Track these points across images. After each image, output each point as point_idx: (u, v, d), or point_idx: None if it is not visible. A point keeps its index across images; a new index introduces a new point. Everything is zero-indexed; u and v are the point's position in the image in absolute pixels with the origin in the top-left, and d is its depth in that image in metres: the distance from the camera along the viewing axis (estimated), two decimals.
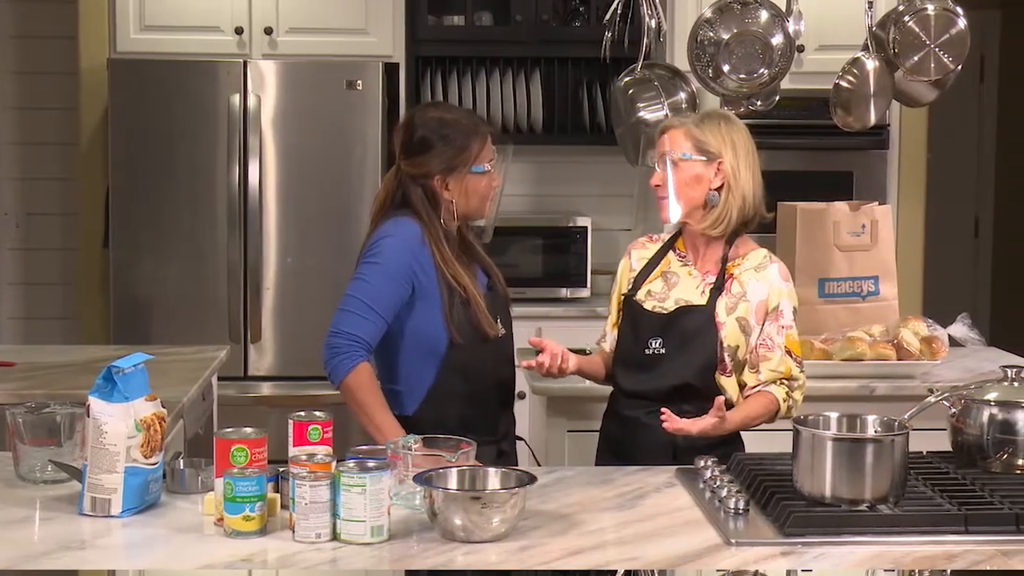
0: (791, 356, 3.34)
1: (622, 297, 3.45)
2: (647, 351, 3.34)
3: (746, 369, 3.34)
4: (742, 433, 3.38)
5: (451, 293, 3.34)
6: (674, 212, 3.36)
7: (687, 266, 3.42)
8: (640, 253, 3.49)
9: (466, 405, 3.36)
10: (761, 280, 3.35)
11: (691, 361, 3.30)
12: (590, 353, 3.53)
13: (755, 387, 3.32)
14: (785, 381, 3.33)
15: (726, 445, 3.28)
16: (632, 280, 3.44)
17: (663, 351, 3.33)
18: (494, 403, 3.44)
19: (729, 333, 3.31)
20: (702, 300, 3.34)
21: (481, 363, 3.38)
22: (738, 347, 3.32)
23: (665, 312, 3.35)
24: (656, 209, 3.42)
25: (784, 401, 3.32)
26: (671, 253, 3.45)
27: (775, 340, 3.32)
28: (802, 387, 3.37)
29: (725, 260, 3.37)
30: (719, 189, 3.34)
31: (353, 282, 3.36)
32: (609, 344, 3.49)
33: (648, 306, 3.37)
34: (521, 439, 3.58)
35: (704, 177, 3.34)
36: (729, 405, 3.29)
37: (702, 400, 3.25)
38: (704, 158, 3.33)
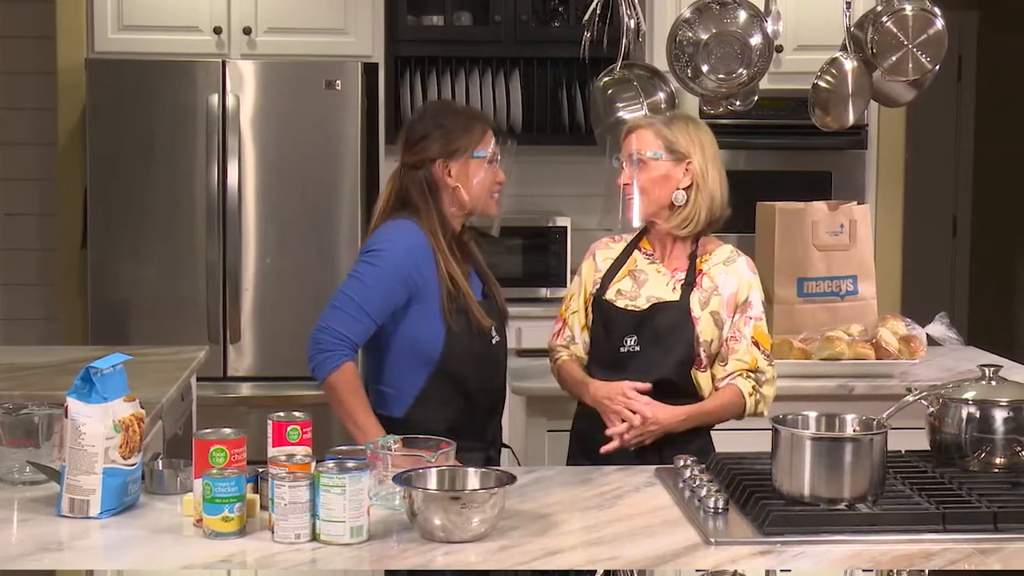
0: (758, 347, 3.35)
1: (591, 298, 3.45)
2: (622, 349, 3.35)
3: (716, 362, 3.36)
4: (712, 433, 3.41)
5: (449, 293, 3.31)
6: (640, 211, 3.38)
7: (654, 264, 3.43)
8: (605, 253, 3.49)
9: (456, 411, 3.34)
10: (731, 273, 3.38)
11: (667, 357, 3.31)
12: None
13: (723, 379, 3.34)
14: (751, 373, 3.34)
15: (700, 439, 3.32)
16: (599, 280, 3.44)
17: (638, 348, 3.34)
18: (483, 410, 3.41)
19: (704, 328, 3.33)
20: (674, 296, 3.35)
21: (475, 370, 3.36)
22: (712, 341, 3.34)
23: (638, 310, 3.35)
24: (621, 209, 3.42)
25: (751, 395, 3.32)
26: (637, 252, 3.46)
27: (743, 331, 3.35)
28: (772, 381, 3.37)
29: (694, 256, 3.39)
30: (687, 189, 3.36)
31: (348, 279, 3.32)
32: (582, 346, 3.48)
33: (620, 304, 3.38)
34: (507, 447, 3.57)
35: (672, 177, 3.36)
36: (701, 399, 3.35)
37: (679, 396, 3.28)
38: (673, 158, 3.35)
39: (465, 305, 3.32)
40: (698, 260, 3.39)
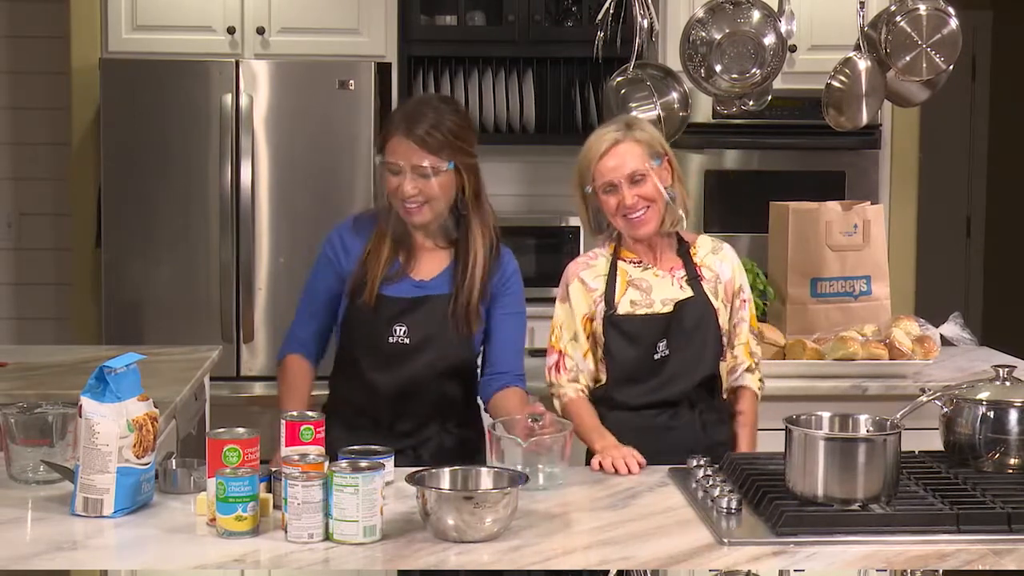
0: (751, 331, 3.43)
1: (599, 320, 3.34)
2: (656, 356, 3.30)
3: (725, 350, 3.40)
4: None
5: (356, 278, 3.39)
6: (655, 225, 3.33)
7: (648, 269, 3.38)
8: (591, 273, 3.40)
9: (360, 394, 3.34)
10: (723, 261, 3.41)
11: (704, 353, 3.29)
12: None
13: (735, 377, 3.39)
14: (751, 356, 3.42)
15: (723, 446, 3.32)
16: (601, 300, 3.35)
17: (667, 352, 3.30)
18: (387, 401, 3.33)
19: (722, 317, 3.36)
20: (688, 293, 3.34)
21: (369, 358, 3.33)
22: (726, 329, 3.38)
23: (662, 313, 3.32)
24: (632, 230, 3.36)
25: (759, 389, 3.43)
26: (620, 263, 3.39)
27: (742, 314, 3.41)
28: (760, 360, 3.47)
29: (687, 252, 3.39)
30: (671, 185, 3.35)
31: None
32: (587, 376, 3.37)
33: (641, 313, 3.33)
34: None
35: (663, 179, 3.34)
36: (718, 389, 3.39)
37: (719, 391, 3.32)
38: (657, 162, 3.34)
39: (366, 293, 3.35)
40: (690, 254, 3.40)
